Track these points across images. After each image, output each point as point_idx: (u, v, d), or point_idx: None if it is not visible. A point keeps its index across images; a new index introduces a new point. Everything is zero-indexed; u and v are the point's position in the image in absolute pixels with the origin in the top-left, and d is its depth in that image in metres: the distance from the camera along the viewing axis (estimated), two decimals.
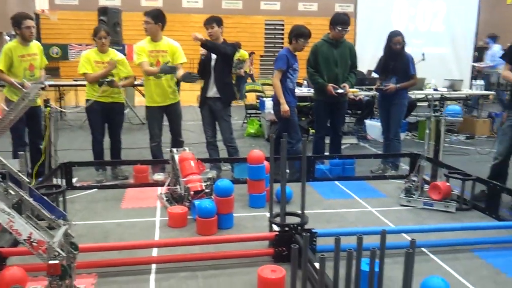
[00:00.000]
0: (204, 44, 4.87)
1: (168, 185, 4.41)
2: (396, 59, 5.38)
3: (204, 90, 5.14)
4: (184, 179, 4.09)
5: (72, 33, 18.87)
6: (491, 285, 2.91)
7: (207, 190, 4.02)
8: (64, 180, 4.59)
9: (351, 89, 7.40)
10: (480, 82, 8.47)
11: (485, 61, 12.01)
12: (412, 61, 5.42)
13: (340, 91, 5.22)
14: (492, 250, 3.41)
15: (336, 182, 5.14)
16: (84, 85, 5.69)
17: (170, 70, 4.86)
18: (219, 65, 5.03)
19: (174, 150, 4.48)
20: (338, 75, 5.30)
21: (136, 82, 6.87)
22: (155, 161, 5.14)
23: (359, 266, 2.21)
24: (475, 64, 10.95)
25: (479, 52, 14.07)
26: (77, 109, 6.37)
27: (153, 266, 3.07)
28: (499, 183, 4.21)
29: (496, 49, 11.66)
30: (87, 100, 5.04)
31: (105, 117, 5.13)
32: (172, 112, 5.19)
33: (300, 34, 5.05)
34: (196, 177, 4.12)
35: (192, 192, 3.98)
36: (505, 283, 2.94)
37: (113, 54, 5.10)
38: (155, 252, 3.26)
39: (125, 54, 5.56)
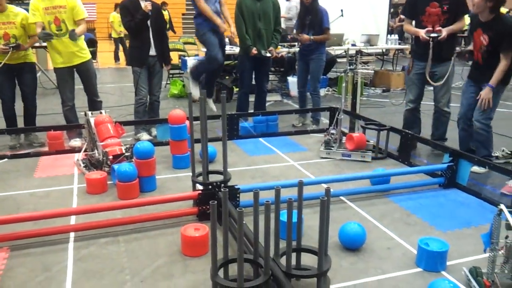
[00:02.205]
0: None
1: (85, 151, 4.21)
2: (310, 14, 5.42)
3: (145, 48, 4.93)
4: (102, 143, 3.92)
5: None
6: (402, 226, 3.12)
7: (127, 154, 3.88)
8: None
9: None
10: (395, 36, 8.81)
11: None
12: (326, 14, 5.47)
13: (268, 55, 5.30)
14: (404, 194, 3.65)
15: (260, 139, 5.20)
16: None
17: (45, 37, 4.52)
18: (157, 24, 4.92)
19: (89, 113, 4.25)
20: (261, 29, 5.31)
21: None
22: (69, 126, 4.86)
23: (278, 217, 2.25)
24: (391, 24, 11.38)
25: (395, 8, 14.61)
26: None
27: (71, 234, 2.94)
28: (411, 132, 4.47)
29: None
30: None
31: (14, 80, 4.81)
32: (84, 71, 4.92)
33: None
34: (115, 141, 3.96)
35: (110, 157, 3.82)
36: (415, 223, 3.17)
37: (13, 11, 4.69)
38: (73, 220, 3.13)
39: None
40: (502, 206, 2.20)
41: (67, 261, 2.65)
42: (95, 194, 3.60)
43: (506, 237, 2.23)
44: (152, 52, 4.96)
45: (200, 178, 3.21)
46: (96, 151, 4.04)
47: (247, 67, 5.43)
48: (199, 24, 5.20)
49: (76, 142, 4.80)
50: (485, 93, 4.00)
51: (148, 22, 4.86)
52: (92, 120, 4.12)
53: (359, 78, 4.72)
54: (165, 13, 13.15)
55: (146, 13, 4.75)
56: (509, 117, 5.69)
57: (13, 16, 4.70)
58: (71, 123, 4.91)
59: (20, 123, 5.03)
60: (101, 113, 4.34)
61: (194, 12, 5.31)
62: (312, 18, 5.41)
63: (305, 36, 5.40)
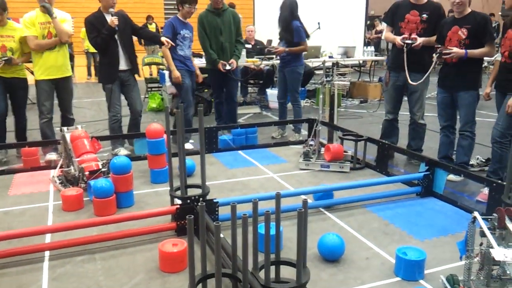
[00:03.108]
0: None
1: (61, 167, 4.13)
2: (285, 29, 5.47)
3: (114, 63, 4.84)
4: (78, 159, 3.86)
5: None
6: (381, 236, 3.14)
7: (103, 169, 3.83)
8: None
9: (251, 59, 7.52)
10: (371, 48, 8.96)
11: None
12: (297, 29, 5.46)
13: (228, 67, 5.39)
14: (382, 204, 3.69)
15: (240, 152, 5.20)
16: None
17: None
18: (125, 37, 4.87)
19: (65, 129, 4.19)
20: (223, 43, 5.41)
21: None
22: (44, 143, 4.78)
23: (256, 230, 2.24)
24: (368, 35, 11.60)
25: (371, 20, 14.89)
26: None
27: (46, 253, 2.88)
28: (388, 142, 4.53)
29: None
30: None
31: (5, 93, 4.83)
32: (63, 86, 4.91)
33: (183, 0, 5.05)
34: (91, 156, 3.91)
35: (87, 173, 3.77)
36: (393, 232, 3.19)
37: (13, 26, 4.80)
38: (48, 238, 3.07)
39: None
40: (476, 214, 2.24)
41: (42, 281, 2.59)
42: (71, 211, 3.53)
43: (481, 244, 2.27)
44: (123, 66, 4.86)
45: (178, 193, 3.19)
46: (72, 167, 3.98)
47: (216, 78, 5.54)
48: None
49: (51, 156, 4.71)
50: (456, 50, 3.99)
51: (116, 36, 4.77)
52: (67, 136, 4.06)
53: (336, 89, 4.77)
54: (152, 26, 13.30)
55: (112, 29, 4.67)
56: (483, 126, 5.81)
57: (12, 30, 4.79)
58: (47, 137, 4.86)
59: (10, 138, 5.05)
60: (77, 128, 4.28)
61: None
62: (286, 31, 5.47)
63: (280, 48, 5.46)
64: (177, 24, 5.09)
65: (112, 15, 4.67)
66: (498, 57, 3.89)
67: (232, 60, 5.45)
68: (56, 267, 2.73)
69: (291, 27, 5.46)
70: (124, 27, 4.82)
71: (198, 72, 5.49)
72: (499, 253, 2.11)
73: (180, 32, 5.10)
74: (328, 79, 4.64)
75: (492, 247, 2.16)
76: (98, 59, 5.26)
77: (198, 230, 2.33)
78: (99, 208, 3.44)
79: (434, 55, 4.13)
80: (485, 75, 4.49)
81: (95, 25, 4.70)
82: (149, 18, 13.80)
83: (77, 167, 3.85)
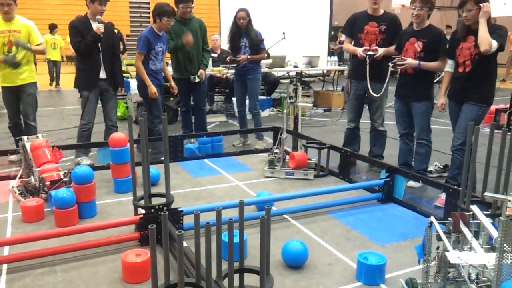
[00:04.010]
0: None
1: (21, 177, 4.02)
2: (246, 36, 5.56)
3: (95, 71, 4.78)
4: (38, 169, 3.77)
5: None
6: (343, 241, 3.21)
7: (65, 179, 3.75)
8: None
9: (217, 68, 7.55)
10: (335, 58, 9.16)
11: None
12: (261, 36, 5.64)
13: (197, 80, 5.42)
14: (345, 210, 3.76)
15: (205, 160, 5.20)
16: None
17: (12, 62, 4.71)
18: (107, 46, 4.83)
19: (25, 138, 4.09)
20: (190, 52, 5.40)
21: None
22: (2, 152, 4.65)
23: (219, 238, 2.26)
24: (331, 46, 11.85)
25: (335, 31, 15.21)
26: None
27: (4, 266, 2.79)
28: (350, 149, 4.64)
29: None
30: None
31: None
32: (23, 93, 4.86)
33: (162, 12, 4.91)
34: (52, 166, 3.82)
35: (47, 182, 3.68)
36: (355, 238, 3.26)
37: (19, 22, 4.74)
38: (6, 251, 2.97)
39: None
40: (432, 218, 2.33)
41: None
42: (31, 222, 3.43)
43: (438, 248, 2.36)
44: (102, 75, 4.83)
45: (142, 202, 3.16)
46: (32, 177, 3.88)
47: (183, 87, 5.52)
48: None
49: (14, 157, 4.66)
50: (410, 61, 4.14)
51: (99, 44, 4.75)
52: (27, 145, 3.96)
53: (300, 110, 4.83)
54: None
55: (97, 36, 4.63)
56: (440, 134, 6.04)
57: (19, 25, 4.71)
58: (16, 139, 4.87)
59: None
60: (37, 137, 4.18)
61: (137, 33, 5.29)
62: (249, 39, 5.56)
63: (243, 56, 5.52)
64: (152, 37, 4.96)
65: (98, 23, 4.64)
66: (448, 68, 4.06)
67: (201, 71, 5.47)
68: (14, 281, 2.65)
69: (256, 34, 5.59)
70: (107, 37, 4.79)
71: (172, 84, 5.35)
72: (453, 256, 2.20)
73: (155, 48, 4.99)
74: (291, 100, 4.71)
75: (447, 251, 2.25)
76: (76, 65, 5.19)
77: (162, 239, 2.33)
78: (60, 219, 3.36)
79: (389, 64, 4.28)
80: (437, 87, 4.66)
81: (79, 30, 4.65)
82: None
83: (37, 177, 3.75)
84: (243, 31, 5.55)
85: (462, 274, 2.24)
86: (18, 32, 4.69)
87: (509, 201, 2.60)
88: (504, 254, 1.95)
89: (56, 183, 3.69)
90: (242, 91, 5.80)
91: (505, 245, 1.94)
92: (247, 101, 5.90)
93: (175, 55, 5.44)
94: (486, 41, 3.60)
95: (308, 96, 4.73)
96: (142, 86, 5.09)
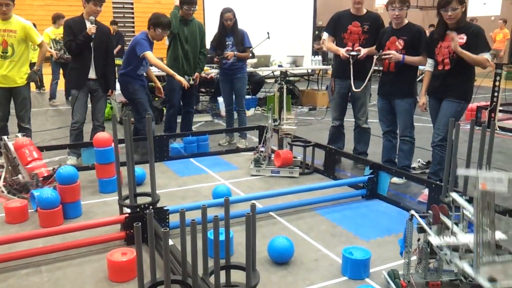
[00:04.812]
0: None
1: (4, 179, 3.98)
2: (232, 35, 5.60)
3: (84, 70, 4.79)
4: (28, 166, 3.76)
5: None
6: (329, 237, 3.25)
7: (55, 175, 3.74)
8: None
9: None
10: (319, 57, 9.22)
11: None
12: (247, 35, 5.71)
13: (191, 82, 5.42)
14: (330, 207, 3.81)
15: (191, 159, 5.20)
16: None
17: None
18: (99, 47, 4.81)
19: (5, 137, 4.06)
20: (188, 52, 5.42)
21: None
22: None
23: (205, 236, 2.26)
24: (315, 46, 11.93)
25: (319, 31, 15.29)
26: None
27: None
28: (334, 147, 4.69)
29: None
30: None
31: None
32: (16, 96, 4.82)
33: (158, 23, 4.96)
34: (40, 163, 3.83)
35: (41, 178, 3.68)
36: (340, 234, 3.30)
37: (15, 21, 4.65)
38: None
39: None
40: (413, 212, 2.38)
41: None
42: (15, 223, 3.40)
43: (418, 239, 2.41)
44: (92, 75, 4.83)
45: (128, 201, 3.15)
46: (20, 175, 3.84)
47: (175, 87, 5.45)
48: (127, 82, 5.09)
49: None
50: (395, 53, 4.20)
51: (91, 44, 4.74)
52: (10, 145, 3.92)
53: (284, 134, 4.78)
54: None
55: (88, 36, 4.64)
56: (424, 131, 6.13)
57: (15, 25, 4.64)
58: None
59: None
60: (17, 136, 4.15)
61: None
62: (235, 38, 5.59)
63: (231, 52, 5.55)
64: (149, 43, 5.01)
65: (91, 23, 4.63)
66: (428, 67, 4.12)
67: (196, 74, 5.50)
68: None
69: (241, 33, 5.65)
70: (100, 38, 4.78)
71: (158, 85, 5.31)
72: (435, 239, 2.25)
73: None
74: (276, 123, 4.71)
75: (428, 242, 2.31)
76: (69, 65, 5.24)
77: (147, 238, 2.33)
78: (44, 219, 3.33)
79: (374, 56, 4.34)
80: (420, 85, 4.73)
81: (72, 29, 4.68)
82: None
83: (28, 175, 3.73)
84: (229, 31, 5.59)
85: (444, 253, 2.26)
86: (14, 32, 4.62)
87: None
88: (483, 228, 2.01)
89: (49, 179, 3.70)
90: (229, 90, 5.82)
91: (482, 219, 2.00)
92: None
93: (173, 53, 5.42)
94: (482, 64, 3.73)
95: (292, 119, 4.76)
96: (125, 88, 5.10)
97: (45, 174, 3.77)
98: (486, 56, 3.72)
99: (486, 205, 2.01)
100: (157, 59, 5.08)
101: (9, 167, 3.99)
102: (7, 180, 3.92)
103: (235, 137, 6.03)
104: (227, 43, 5.63)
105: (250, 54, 5.81)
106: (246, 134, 5.95)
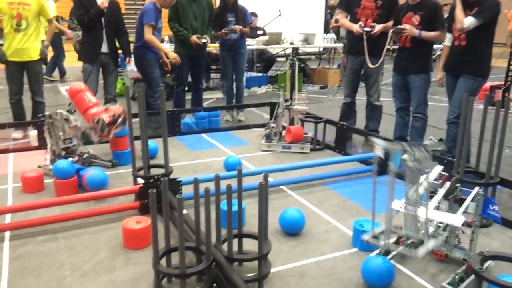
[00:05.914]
0: None
1: (52, 150, 3.85)
2: (233, 11, 5.61)
3: (97, 44, 4.87)
4: (93, 111, 3.77)
5: None
6: (339, 211, 3.28)
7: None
8: None
9: (212, 45, 7.53)
10: (331, 35, 9.12)
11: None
12: (248, 12, 5.80)
13: (203, 41, 5.37)
14: (340, 182, 3.83)
15: (203, 135, 5.23)
16: None
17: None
18: (110, 22, 4.89)
19: (59, 85, 4.18)
20: (197, 29, 5.40)
21: None
22: (22, 123, 4.81)
23: (218, 205, 2.30)
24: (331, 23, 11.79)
25: (331, 10, 15.08)
26: None
27: (7, 233, 2.84)
28: (346, 123, 4.68)
29: None
30: None
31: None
32: (30, 70, 4.87)
33: None
34: (101, 108, 3.87)
35: (108, 120, 3.76)
36: (351, 208, 3.34)
37: None
38: (8, 219, 3.02)
39: None
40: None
41: (3, 260, 2.57)
42: (32, 193, 3.48)
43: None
44: (104, 49, 4.90)
45: (141, 173, 3.20)
46: (77, 122, 3.82)
47: (184, 63, 5.44)
48: (142, 54, 5.13)
49: (18, 134, 4.73)
50: (411, 28, 4.16)
51: (103, 18, 4.80)
52: (64, 91, 3.91)
53: (296, 114, 4.80)
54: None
55: (101, 10, 4.69)
56: (436, 110, 6.08)
57: None
58: (17, 115, 4.87)
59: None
60: (71, 81, 4.22)
61: (133, 12, 5.28)
62: (236, 15, 5.60)
63: (236, 26, 5.55)
64: (156, 13, 5.00)
65: None
66: (447, 42, 4.08)
67: (205, 36, 5.40)
68: (17, 247, 2.70)
69: (243, 10, 5.73)
70: (111, 12, 4.84)
71: (165, 59, 5.23)
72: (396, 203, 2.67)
73: (157, 23, 5.04)
74: (287, 104, 4.69)
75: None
76: (81, 38, 5.33)
77: (161, 208, 2.37)
78: (60, 189, 3.40)
79: (390, 30, 4.30)
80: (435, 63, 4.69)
81: (83, 3, 4.74)
82: None
83: (91, 121, 3.74)
84: (230, 7, 5.61)
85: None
86: (28, 5, 4.65)
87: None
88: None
89: (115, 123, 3.79)
90: (231, 65, 5.86)
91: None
92: None
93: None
94: (458, 20, 3.73)
95: (303, 99, 4.75)
96: (140, 61, 5.13)
97: (109, 120, 3.77)
98: (472, 20, 3.69)
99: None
100: (152, 35, 5.01)
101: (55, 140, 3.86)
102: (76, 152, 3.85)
103: (239, 113, 6.06)
104: (228, 19, 5.62)
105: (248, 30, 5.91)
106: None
